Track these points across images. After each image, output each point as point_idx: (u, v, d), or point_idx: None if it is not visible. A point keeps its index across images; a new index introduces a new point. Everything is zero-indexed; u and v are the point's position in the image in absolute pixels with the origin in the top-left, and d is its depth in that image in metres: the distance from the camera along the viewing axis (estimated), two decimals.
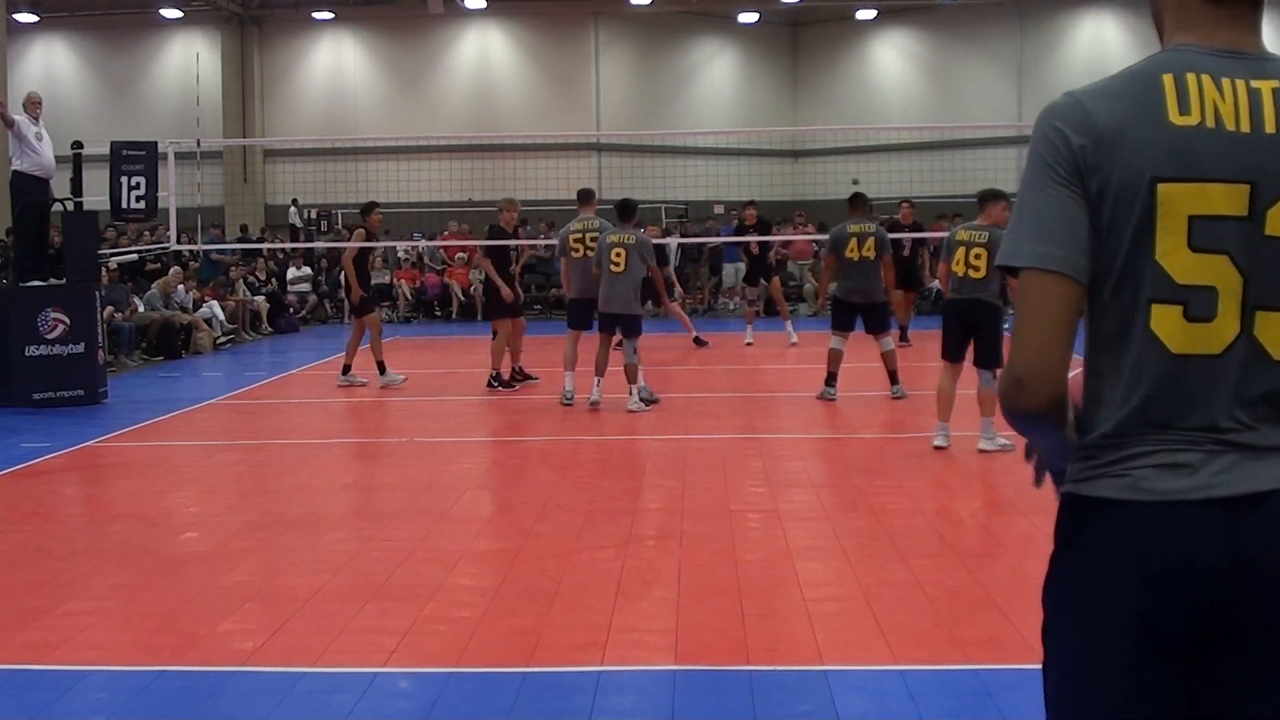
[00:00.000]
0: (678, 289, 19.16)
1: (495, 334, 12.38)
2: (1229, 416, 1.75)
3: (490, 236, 12.75)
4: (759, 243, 16.58)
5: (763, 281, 17.06)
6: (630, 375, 10.76)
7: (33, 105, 12.46)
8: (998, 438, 8.57)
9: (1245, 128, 1.74)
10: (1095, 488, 1.78)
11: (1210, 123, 1.73)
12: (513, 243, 12.93)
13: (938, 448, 8.70)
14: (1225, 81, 1.76)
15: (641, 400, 10.80)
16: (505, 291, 12.14)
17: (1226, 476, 1.73)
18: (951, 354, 8.88)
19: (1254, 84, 1.76)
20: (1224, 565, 1.71)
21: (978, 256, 8.62)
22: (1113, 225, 1.75)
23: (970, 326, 8.72)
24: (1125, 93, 1.77)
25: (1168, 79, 1.76)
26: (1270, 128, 1.74)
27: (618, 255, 10.64)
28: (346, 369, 12.95)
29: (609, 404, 10.87)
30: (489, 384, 12.35)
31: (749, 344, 16.18)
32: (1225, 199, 1.72)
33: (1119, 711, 1.76)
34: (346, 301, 13.48)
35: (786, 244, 21.46)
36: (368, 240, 13.14)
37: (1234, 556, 1.71)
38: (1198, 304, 1.74)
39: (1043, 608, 1.87)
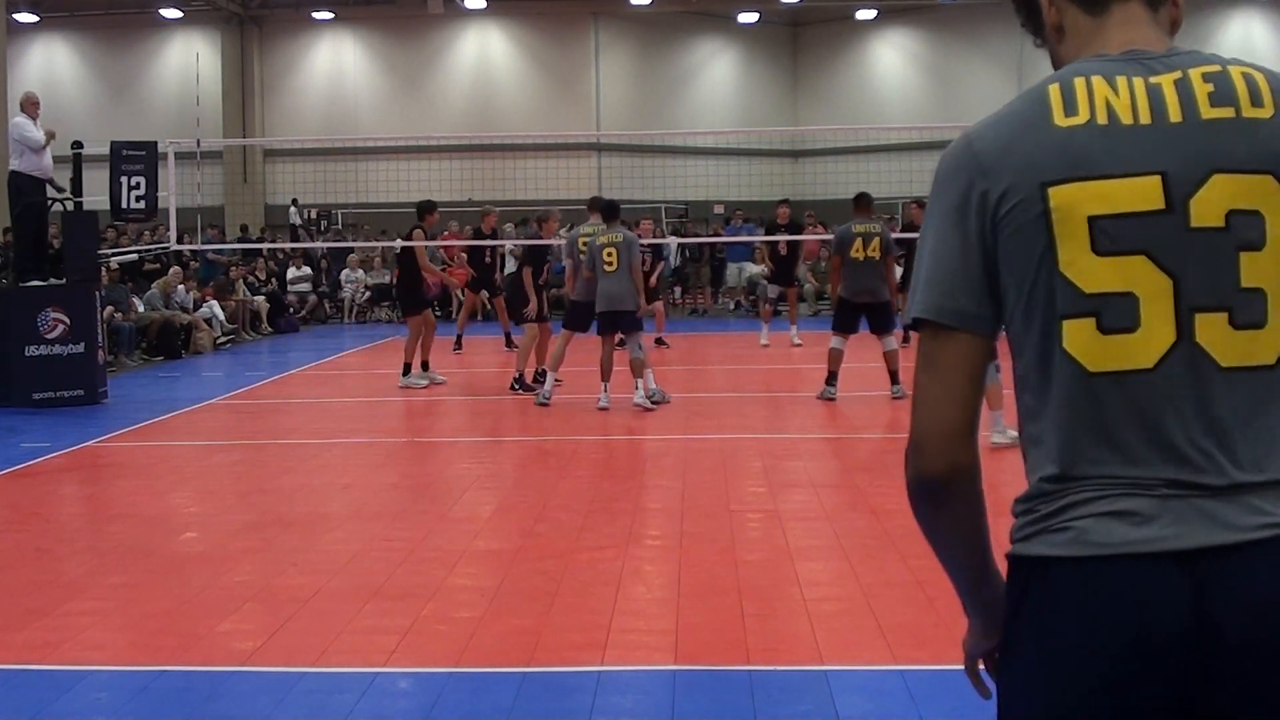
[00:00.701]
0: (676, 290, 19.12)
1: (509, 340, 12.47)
2: (1185, 445, 1.50)
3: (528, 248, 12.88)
4: (788, 243, 16.51)
5: (780, 287, 17.04)
6: (636, 370, 10.76)
7: (30, 105, 12.45)
8: (1008, 431, 8.63)
9: (1145, 119, 1.54)
10: (1036, 546, 1.56)
11: (1102, 119, 1.54)
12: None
13: None
14: (1120, 80, 1.57)
15: (652, 400, 10.81)
16: (532, 305, 12.13)
17: (1186, 527, 1.48)
18: None
19: (1153, 80, 1.57)
20: (1190, 629, 1.46)
21: None
22: (1014, 250, 1.56)
23: None
24: (1011, 113, 1.61)
25: (1053, 89, 1.59)
26: (1175, 116, 1.54)
27: (609, 255, 10.67)
28: (425, 365, 12.91)
29: (610, 404, 10.87)
30: (520, 386, 12.25)
31: (765, 345, 16.06)
32: (1130, 194, 1.52)
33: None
34: (407, 299, 13.24)
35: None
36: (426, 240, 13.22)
37: (1200, 619, 1.46)
38: (1113, 313, 1.51)
39: (996, 686, 1.65)
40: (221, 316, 18.61)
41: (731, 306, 23.01)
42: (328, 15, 30.35)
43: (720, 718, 4.10)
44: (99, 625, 5.17)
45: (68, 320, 11.98)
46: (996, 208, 1.56)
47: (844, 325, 11.26)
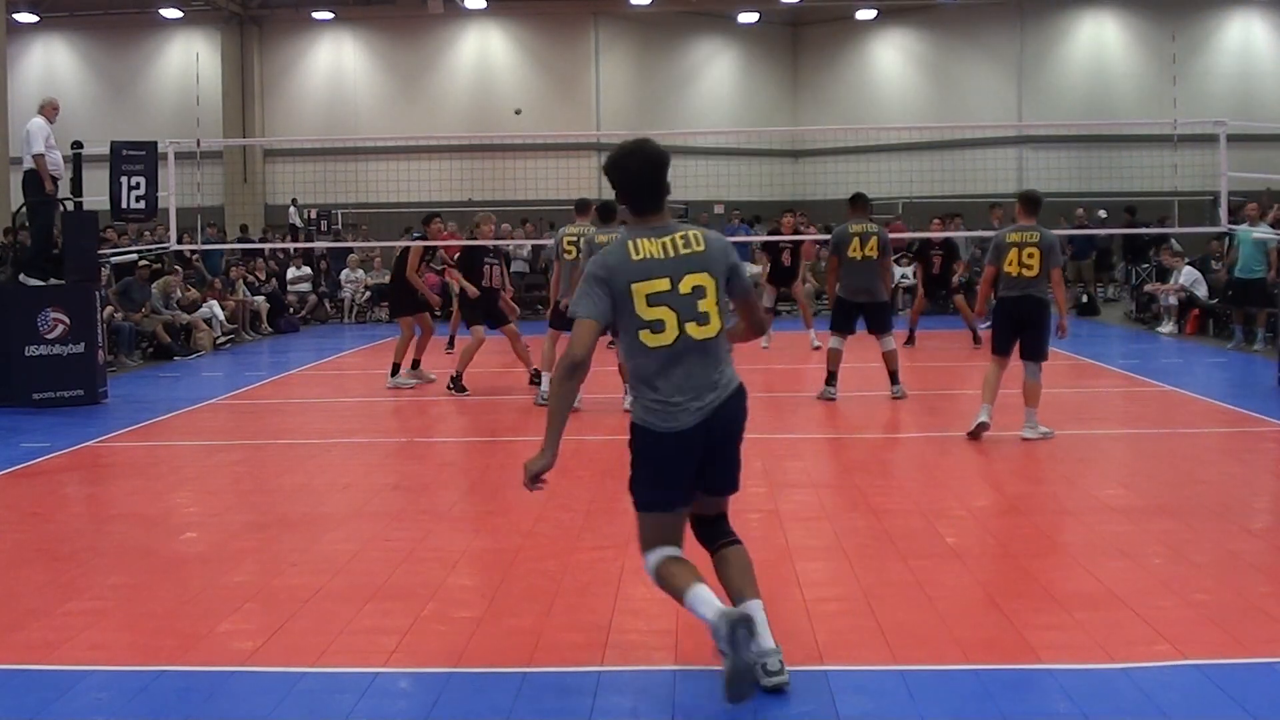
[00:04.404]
0: None
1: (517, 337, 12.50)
2: (689, 378, 4.25)
3: (463, 250, 12.82)
4: (790, 251, 16.48)
5: (781, 288, 17.02)
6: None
7: (51, 110, 12.61)
8: (1039, 426, 9.06)
9: (661, 255, 4.27)
10: (637, 418, 4.33)
11: (649, 255, 4.27)
12: (498, 242, 13.07)
13: (981, 424, 8.98)
14: (656, 239, 4.30)
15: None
16: (470, 290, 12.27)
17: (687, 418, 4.25)
18: (1003, 349, 9.21)
19: (662, 240, 4.31)
20: (694, 455, 4.30)
21: (1030, 255, 9.03)
22: (619, 305, 4.24)
23: (1021, 323, 9.07)
24: (620, 247, 4.30)
25: (630, 243, 4.29)
26: (671, 254, 4.28)
27: None
28: (415, 363, 12.96)
29: (605, 404, 10.87)
30: (531, 382, 12.28)
31: (764, 347, 16.02)
32: (659, 284, 4.23)
33: (665, 482, 4.33)
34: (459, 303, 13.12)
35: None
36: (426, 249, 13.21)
37: (700, 449, 4.31)
38: (655, 326, 4.24)
39: (630, 454, 4.39)
40: (221, 316, 18.61)
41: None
42: (328, 15, 30.35)
43: (720, 718, 4.10)
44: (99, 625, 5.17)
45: (68, 320, 11.99)
46: (616, 291, 4.25)
47: (842, 325, 11.29)
